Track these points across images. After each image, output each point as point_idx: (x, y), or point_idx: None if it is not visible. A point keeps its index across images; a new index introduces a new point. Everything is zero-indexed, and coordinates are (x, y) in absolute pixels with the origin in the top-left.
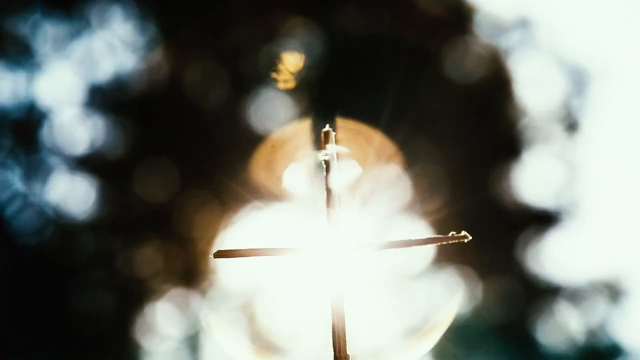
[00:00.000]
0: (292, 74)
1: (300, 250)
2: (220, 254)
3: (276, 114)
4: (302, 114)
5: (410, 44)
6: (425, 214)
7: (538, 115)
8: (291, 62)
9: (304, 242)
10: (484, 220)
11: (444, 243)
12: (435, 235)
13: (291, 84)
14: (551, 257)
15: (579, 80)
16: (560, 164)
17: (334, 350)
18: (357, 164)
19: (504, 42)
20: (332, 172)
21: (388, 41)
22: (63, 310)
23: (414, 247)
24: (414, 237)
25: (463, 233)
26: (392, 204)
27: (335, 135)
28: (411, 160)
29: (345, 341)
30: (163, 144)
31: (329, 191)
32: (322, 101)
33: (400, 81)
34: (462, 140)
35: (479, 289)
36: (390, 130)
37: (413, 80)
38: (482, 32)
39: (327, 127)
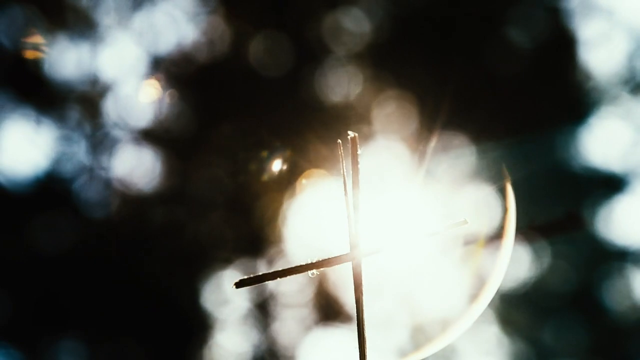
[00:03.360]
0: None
1: (320, 264)
2: (243, 283)
3: (339, 87)
4: (363, 85)
5: (468, 6)
6: (492, 181)
7: (603, 78)
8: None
9: (324, 254)
10: (551, 186)
11: (446, 232)
12: (437, 228)
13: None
14: (620, 221)
15: None
16: (627, 126)
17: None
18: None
19: (566, 3)
20: (354, 177)
21: (446, 4)
22: (132, 282)
23: (421, 241)
24: (416, 232)
25: (463, 219)
26: (456, 171)
27: (358, 141)
28: (474, 126)
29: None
30: (227, 115)
31: (350, 194)
32: (381, 70)
33: (459, 45)
34: (526, 105)
35: (547, 255)
36: (451, 96)
37: (473, 44)
38: None
39: (351, 134)
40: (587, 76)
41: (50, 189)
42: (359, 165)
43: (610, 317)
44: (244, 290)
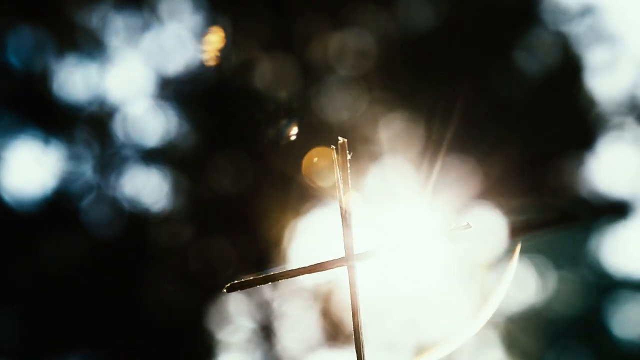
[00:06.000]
0: (216, 50)
1: (313, 268)
2: (234, 287)
3: (344, 106)
4: (370, 106)
5: (476, 33)
6: (499, 205)
7: (608, 105)
8: (214, 40)
9: (320, 257)
10: (557, 211)
11: (450, 235)
12: (439, 231)
13: (216, 61)
14: (626, 248)
15: None
16: (633, 154)
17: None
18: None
19: (572, 30)
20: (346, 185)
21: (454, 31)
22: (136, 301)
23: (424, 245)
24: (419, 234)
25: (466, 223)
26: (463, 195)
27: (347, 147)
28: (481, 152)
29: (362, 336)
30: (233, 135)
31: (342, 203)
32: (389, 93)
33: (467, 71)
34: (533, 131)
35: (553, 281)
36: (458, 121)
37: (480, 70)
38: (549, 19)
39: (341, 139)
40: (593, 102)
41: (57, 208)
42: (349, 169)
43: (614, 343)
44: (247, 308)
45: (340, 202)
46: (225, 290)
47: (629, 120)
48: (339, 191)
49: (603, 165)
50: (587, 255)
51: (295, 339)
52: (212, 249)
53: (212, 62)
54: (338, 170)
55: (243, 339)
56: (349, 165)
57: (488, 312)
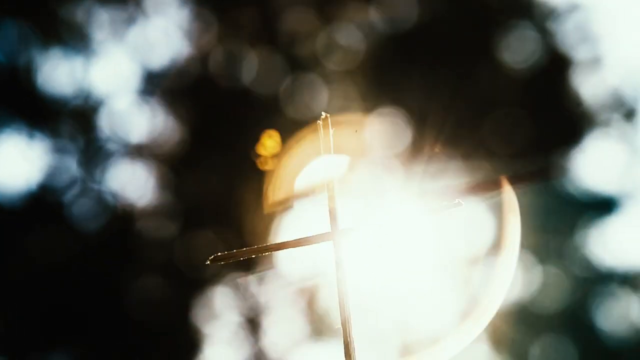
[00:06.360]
0: (271, 156)
1: (298, 242)
2: (217, 259)
3: (328, 102)
4: (353, 102)
5: (463, 29)
6: (485, 199)
7: (595, 102)
8: (270, 145)
9: (303, 233)
10: (544, 206)
11: (440, 212)
12: (430, 206)
13: (271, 166)
14: (612, 243)
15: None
16: (620, 150)
17: (343, 336)
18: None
19: (559, 27)
20: (330, 159)
21: (440, 26)
22: (121, 297)
23: (413, 221)
24: (409, 211)
25: (457, 201)
26: (448, 187)
27: (331, 123)
28: (468, 147)
29: (350, 325)
30: (219, 131)
31: (327, 174)
32: (373, 88)
33: (453, 68)
34: (520, 127)
35: (539, 275)
36: (445, 116)
37: (466, 66)
38: (537, 16)
39: (324, 114)
40: (579, 99)
41: (41, 202)
42: (331, 144)
43: (601, 337)
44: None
45: (325, 176)
46: (208, 262)
47: (615, 117)
48: (324, 166)
49: (589, 161)
50: (573, 250)
51: (282, 328)
52: (197, 240)
53: (266, 167)
54: (322, 145)
55: (228, 332)
56: (332, 139)
57: (488, 312)
